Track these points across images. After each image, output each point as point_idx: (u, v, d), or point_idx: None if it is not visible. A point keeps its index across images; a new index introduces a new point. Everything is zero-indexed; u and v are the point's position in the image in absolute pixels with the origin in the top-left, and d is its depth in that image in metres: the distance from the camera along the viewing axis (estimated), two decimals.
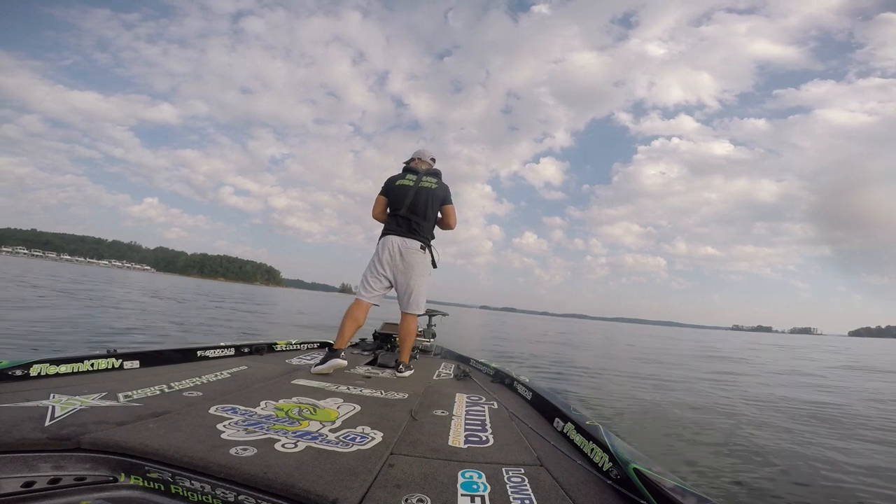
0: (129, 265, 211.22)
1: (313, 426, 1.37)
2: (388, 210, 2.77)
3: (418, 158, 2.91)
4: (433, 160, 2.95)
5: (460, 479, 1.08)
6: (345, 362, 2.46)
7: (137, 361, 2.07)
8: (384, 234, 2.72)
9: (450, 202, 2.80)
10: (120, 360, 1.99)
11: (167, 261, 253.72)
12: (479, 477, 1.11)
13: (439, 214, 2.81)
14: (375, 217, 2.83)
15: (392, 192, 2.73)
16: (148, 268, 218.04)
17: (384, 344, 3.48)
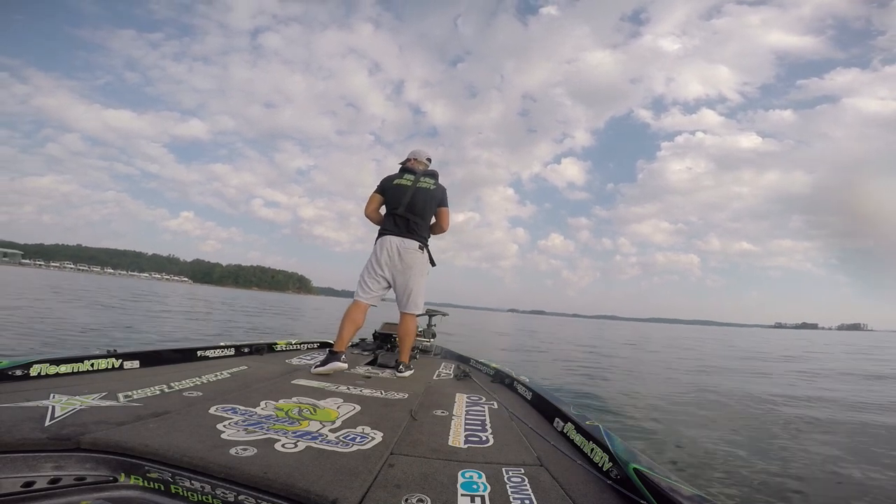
0: (167, 277, 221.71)
1: (313, 426, 1.37)
2: (385, 209, 2.76)
3: (414, 159, 2.88)
4: (429, 160, 2.93)
5: (460, 479, 1.08)
6: (345, 365, 2.46)
7: (137, 361, 2.07)
8: (381, 234, 2.70)
9: (445, 205, 2.78)
10: (120, 360, 2.00)
11: (203, 272, 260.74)
12: (479, 477, 1.11)
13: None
14: (368, 215, 2.80)
15: (389, 191, 2.71)
16: (186, 279, 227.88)
17: (384, 344, 3.48)
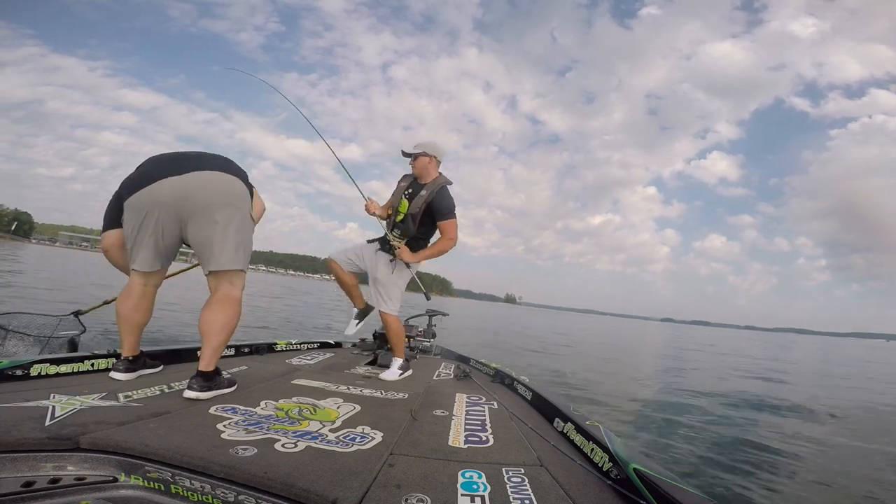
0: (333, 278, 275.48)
1: (313, 426, 1.37)
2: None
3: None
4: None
5: (460, 479, 1.08)
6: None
7: None
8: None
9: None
10: None
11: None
12: (479, 477, 1.11)
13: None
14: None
15: None
16: None
17: (384, 344, 3.45)
